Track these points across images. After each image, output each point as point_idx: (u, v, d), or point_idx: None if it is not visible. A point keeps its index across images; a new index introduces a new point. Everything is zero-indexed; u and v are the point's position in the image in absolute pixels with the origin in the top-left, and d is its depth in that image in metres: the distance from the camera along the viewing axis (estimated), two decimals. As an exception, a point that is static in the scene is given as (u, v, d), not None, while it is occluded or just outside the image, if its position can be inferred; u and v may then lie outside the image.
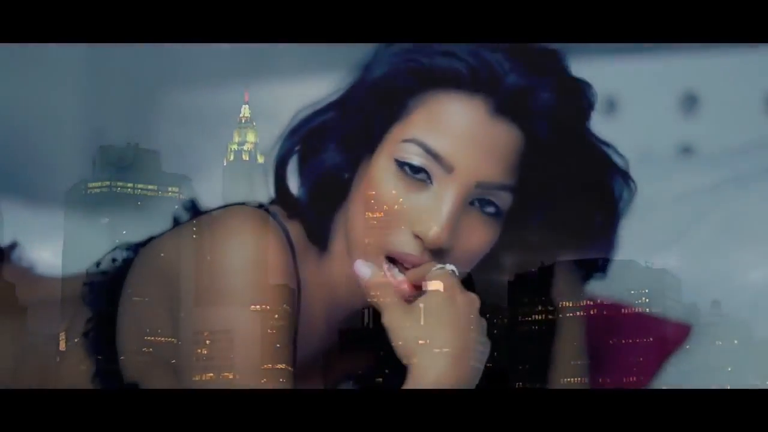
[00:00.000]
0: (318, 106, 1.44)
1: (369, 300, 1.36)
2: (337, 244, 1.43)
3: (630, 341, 1.55)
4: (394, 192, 1.34)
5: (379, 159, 1.35)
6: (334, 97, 1.42)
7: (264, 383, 1.30)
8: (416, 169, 1.33)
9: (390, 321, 1.33)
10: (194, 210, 1.58)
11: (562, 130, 1.37)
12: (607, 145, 1.44)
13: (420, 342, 1.29)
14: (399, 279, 1.36)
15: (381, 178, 1.34)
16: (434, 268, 1.34)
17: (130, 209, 2.83)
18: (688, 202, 1.89)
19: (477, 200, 1.36)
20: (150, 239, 1.51)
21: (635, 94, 1.61)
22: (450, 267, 1.34)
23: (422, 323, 1.30)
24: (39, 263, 1.86)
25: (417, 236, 1.34)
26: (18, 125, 3.02)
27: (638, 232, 1.57)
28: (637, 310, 1.57)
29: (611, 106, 1.93)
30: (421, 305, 1.32)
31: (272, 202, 1.48)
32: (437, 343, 1.29)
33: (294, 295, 1.37)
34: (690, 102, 2.20)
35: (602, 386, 1.58)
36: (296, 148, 1.42)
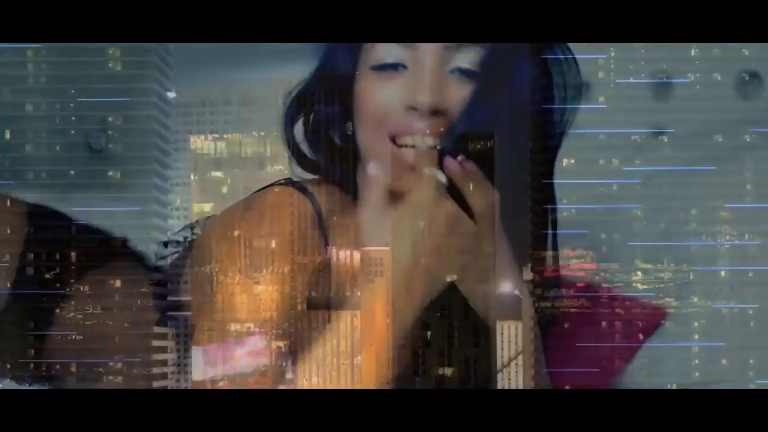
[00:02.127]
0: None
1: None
2: (365, 187, 1.62)
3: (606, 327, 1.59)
4: (382, 91, 1.48)
5: (359, 77, 1.50)
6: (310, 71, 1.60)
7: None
8: (391, 64, 1.47)
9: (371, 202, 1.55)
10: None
11: None
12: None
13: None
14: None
15: (367, 90, 1.49)
16: (429, 170, 1.51)
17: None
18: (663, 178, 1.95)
19: (455, 66, 1.49)
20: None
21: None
22: (441, 176, 1.49)
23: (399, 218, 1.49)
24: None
25: (411, 108, 1.48)
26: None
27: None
28: (613, 293, 1.61)
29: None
30: (404, 207, 1.51)
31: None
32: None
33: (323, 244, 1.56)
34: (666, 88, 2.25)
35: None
36: (296, 119, 1.62)
